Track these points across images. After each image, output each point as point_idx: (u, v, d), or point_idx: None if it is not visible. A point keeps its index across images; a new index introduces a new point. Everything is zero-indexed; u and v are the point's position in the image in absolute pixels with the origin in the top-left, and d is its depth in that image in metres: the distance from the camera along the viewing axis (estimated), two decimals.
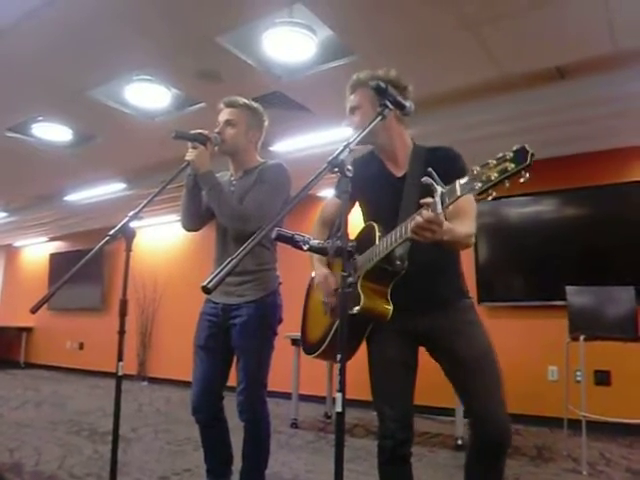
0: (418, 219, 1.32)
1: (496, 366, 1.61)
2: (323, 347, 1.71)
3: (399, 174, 1.73)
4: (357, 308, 1.51)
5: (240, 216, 2.09)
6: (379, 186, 1.74)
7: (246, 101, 2.28)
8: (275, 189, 2.16)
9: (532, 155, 1.10)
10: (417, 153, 1.73)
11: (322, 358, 1.78)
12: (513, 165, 1.12)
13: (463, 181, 1.22)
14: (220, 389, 2.25)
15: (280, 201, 2.15)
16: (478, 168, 1.19)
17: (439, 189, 1.27)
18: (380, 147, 1.76)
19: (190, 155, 2.09)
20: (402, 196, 1.64)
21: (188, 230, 2.35)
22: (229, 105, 2.25)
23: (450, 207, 1.32)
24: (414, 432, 1.69)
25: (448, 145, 1.74)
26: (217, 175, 2.18)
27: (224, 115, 2.24)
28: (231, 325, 2.18)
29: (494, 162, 1.16)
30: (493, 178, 1.15)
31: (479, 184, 1.17)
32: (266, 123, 2.33)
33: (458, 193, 1.23)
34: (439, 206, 1.27)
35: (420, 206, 1.34)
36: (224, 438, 2.29)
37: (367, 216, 1.80)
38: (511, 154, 1.14)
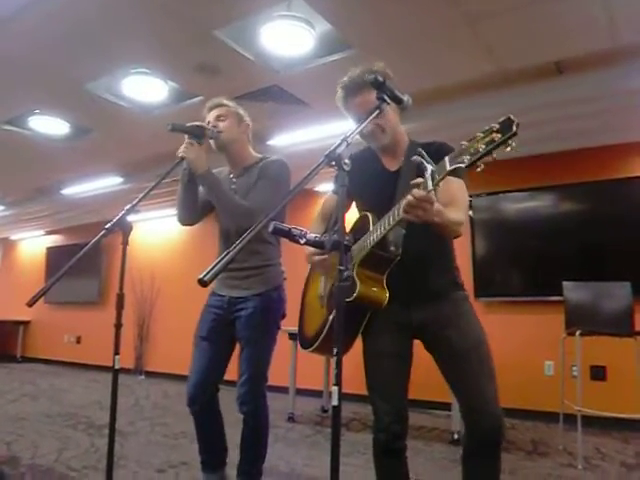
0: (410, 197, 1.33)
1: (489, 358, 1.61)
2: (319, 341, 1.70)
3: (394, 168, 1.73)
4: (353, 295, 1.51)
5: (244, 213, 2.10)
6: (375, 181, 1.74)
7: (230, 101, 2.32)
8: (277, 185, 2.17)
9: (517, 124, 1.13)
10: (412, 148, 1.72)
11: (318, 352, 1.77)
12: (500, 135, 1.15)
13: (452, 155, 1.24)
14: (217, 381, 2.26)
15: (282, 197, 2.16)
16: (466, 142, 1.22)
17: (429, 167, 1.29)
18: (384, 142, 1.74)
19: (186, 151, 2.07)
20: (397, 190, 1.63)
21: (184, 224, 2.35)
22: (216, 105, 2.29)
23: (442, 193, 1.34)
24: (409, 426, 1.69)
25: (443, 140, 1.74)
26: (214, 171, 2.18)
27: (214, 113, 2.27)
28: (236, 317, 2.20)
29: (481, 135, 1.19)
30: (481, 150, 1.17)
31: (467, 157, 1.19)
32: (250, 124, 2.35)
33: (447, 167, 1.24)
34: (429, 182, 1.28)
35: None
36: (219, 430, 2.30)
37: (362, 212, 1.80)
38: (497, 125, 1.16)
